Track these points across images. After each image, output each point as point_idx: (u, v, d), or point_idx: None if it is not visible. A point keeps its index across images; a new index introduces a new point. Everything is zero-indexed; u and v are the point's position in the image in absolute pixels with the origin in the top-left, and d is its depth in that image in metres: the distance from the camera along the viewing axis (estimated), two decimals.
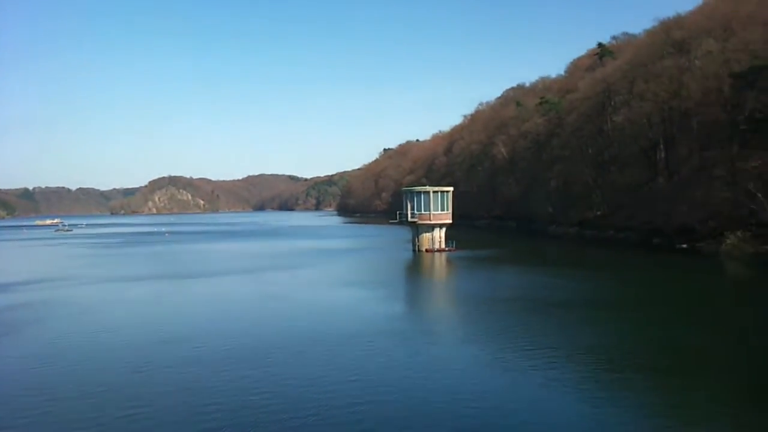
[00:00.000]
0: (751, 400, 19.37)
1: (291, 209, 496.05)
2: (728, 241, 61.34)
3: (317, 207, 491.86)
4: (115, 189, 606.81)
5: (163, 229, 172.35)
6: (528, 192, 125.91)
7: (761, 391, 20.15)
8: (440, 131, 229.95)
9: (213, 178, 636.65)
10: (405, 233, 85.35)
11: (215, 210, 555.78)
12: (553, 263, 60.67)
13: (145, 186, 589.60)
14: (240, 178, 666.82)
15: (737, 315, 33.67)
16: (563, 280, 46.17)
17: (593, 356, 24.25)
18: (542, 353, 24.62)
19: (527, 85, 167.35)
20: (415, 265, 62.40)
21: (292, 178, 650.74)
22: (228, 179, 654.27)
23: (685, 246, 67.72)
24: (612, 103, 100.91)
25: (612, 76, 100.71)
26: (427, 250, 70.41)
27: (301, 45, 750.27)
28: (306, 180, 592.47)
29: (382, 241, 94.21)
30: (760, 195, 60.00)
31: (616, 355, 24.55)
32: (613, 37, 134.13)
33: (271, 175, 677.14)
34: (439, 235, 71.54)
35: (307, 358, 24.59)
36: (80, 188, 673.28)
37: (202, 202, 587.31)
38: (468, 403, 19.02)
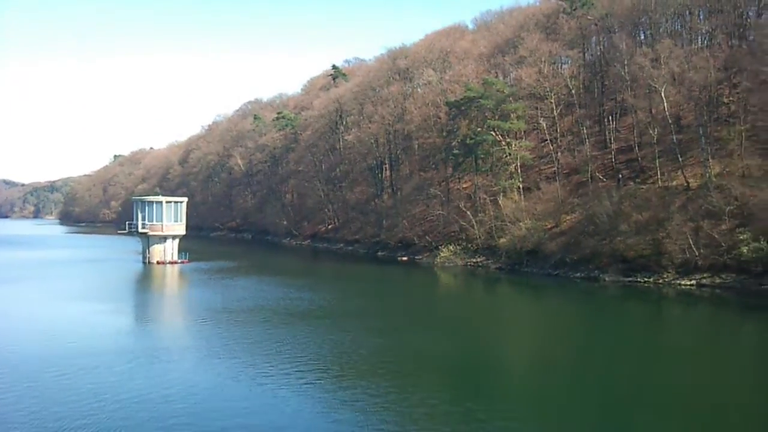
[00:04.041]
0: (467, 394, 22.45)
1: (6, 216, 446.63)
2: (442, 254, 67.96)
3: (36, 215, 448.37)
4: None
5: None
6: (264, 204, 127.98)
7: (475, 384, 23.49)
8: (177, 141, 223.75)
9: None
10: (135, 244, 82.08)
11: None
12: (288, 275, 62.31)
13: None
14: None
15: (449, 319, 38.68)
16: (299, 291, 47.83)
17: (334, 362, 25.95)
18: (283, 363, 25.54)
19: (265, 100, 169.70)
20: (146, 277, 60.55)
21: (6, 182, 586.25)
22: None
23: (405, 258, 73.75)
24: (344, 122, 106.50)
25: (344, 97, 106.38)
26: (158, 262, 68.41)
27: (29, 44, 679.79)
28: (23, 185, 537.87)
29: (110, 252, 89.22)
30: (469, 213, 67.48)
31: (356, 360, 26.53)
32: (347, 61, 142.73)
33: None
34: (172, 246, 69.99)
35: (38, 383, 22.58)
36: None
37: None
38: (210, 416, 19.36)
